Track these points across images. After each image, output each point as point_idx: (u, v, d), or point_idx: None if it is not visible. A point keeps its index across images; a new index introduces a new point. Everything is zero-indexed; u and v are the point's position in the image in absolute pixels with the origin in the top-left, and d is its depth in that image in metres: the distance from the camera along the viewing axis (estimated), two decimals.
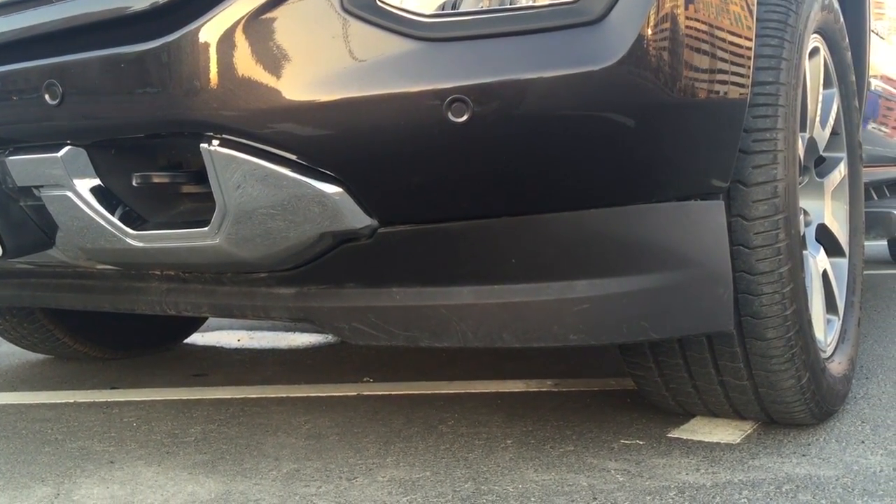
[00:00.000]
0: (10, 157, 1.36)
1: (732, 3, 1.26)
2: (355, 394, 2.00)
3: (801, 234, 1.53)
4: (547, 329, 1.24)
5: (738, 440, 1.54)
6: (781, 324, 1.37)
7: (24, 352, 2.62)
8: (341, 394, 2.00)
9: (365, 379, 2.15)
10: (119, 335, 2.54)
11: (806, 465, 1.42)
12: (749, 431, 1.58)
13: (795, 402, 1.48)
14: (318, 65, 1.15)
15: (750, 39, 1.30)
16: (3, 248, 1.42)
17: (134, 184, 1.32)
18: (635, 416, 1.71)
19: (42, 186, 1.35)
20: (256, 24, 1.16)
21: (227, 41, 1.16)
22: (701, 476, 1.38)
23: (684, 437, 1.57)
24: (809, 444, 1.51)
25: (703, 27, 1.20)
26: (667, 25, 1.15)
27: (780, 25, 1.40)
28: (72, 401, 2.04)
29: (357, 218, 1.21)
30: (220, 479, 1.44)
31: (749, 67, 1.30)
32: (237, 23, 1.16)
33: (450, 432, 1.66)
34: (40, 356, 2.62)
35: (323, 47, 1.15)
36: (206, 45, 1.17)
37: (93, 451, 1.63)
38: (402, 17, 1.13)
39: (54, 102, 1.27)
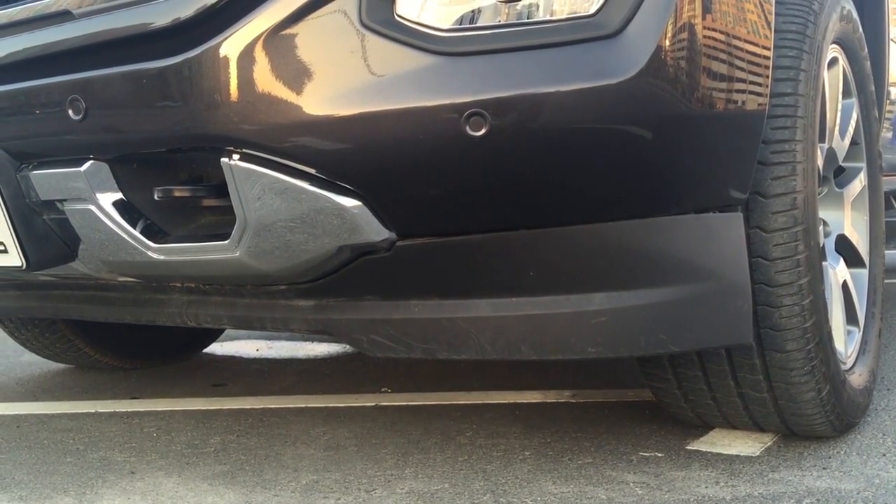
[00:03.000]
0: (34, 172, 1.38)
1: (750, 14, 1.26)
2: (373, 404, 2.01)
3: (821, 245, 1.52)
4: (565, 342, 1.24)
5: (758, 453, 1.53)
6: (801, 336, 1.36)
7: (45, 362, 2.65)
8: (359, 404, 2.01)
9: (383, 389, 2.16)
10: (139, 345, 2.56)
11: (827, 478, 1.41)
12: (769, 444, 1.57)
13: (816, 415, 1.47)
14: (337, 79, 1.16)
15: (768, 50, 1.30)
16: (26, 260, 1.44)
17: (155, 197, 1.33)
18: (654, 428, 1.70)
19: (65, 200, 1.37)
20: (276, 40, 1.17)
21: (247, 56, 1.17)
22: (720, 489, 1.37)
23: (703, 450, 1.56)
24: (830, 457, 1.50)
25: (721, 38, 1.20)
26: (684, 37, 1.15)
27: (798, 36, 1.40)
28: (93, 411, 2.06)
29: (375, 231, 1.21)
30: (240, 491, 1.45)
31: (767, 78, 1.30)
32: (257, 38, 1.17)
33: (468, 443, 1.66)
34: (61, 366, 2.64)
35: (342, 62, 1.16)
36: (227, 60, 1.18)
37: (114, 462, 1.64)
38: (419, 31, 1.14)
39: (77, 117, 1.29)
